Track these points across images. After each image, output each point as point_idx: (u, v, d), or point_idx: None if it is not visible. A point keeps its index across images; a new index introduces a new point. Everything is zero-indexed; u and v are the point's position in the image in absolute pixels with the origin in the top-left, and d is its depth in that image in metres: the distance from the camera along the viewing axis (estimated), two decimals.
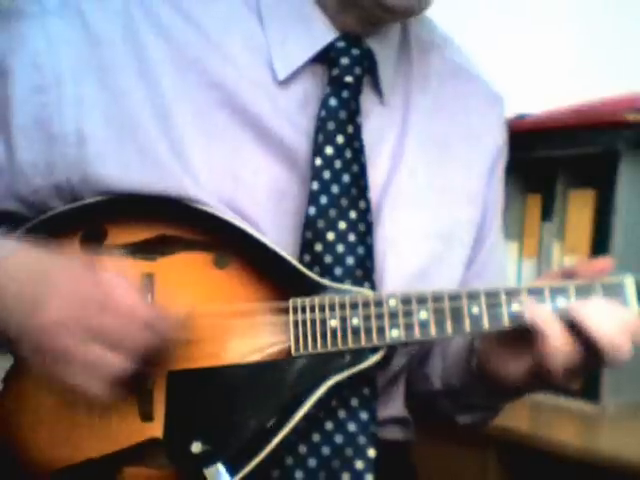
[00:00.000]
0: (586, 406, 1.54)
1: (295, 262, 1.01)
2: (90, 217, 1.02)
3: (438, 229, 1.12)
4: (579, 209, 1.59)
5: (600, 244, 1.53)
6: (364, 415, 1.02)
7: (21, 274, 0.93)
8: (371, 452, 1.01)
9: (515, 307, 0.97)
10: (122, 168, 1.01)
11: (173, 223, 1.01)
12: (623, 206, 1.52)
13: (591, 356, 0.95)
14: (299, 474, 1.00)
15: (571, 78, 1.83)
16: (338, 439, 1.01)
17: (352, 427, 1.01)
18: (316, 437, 1.01)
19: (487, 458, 1.52)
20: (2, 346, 0.96)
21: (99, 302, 0.90)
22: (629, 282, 0.97)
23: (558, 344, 0.94)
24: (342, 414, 1.01)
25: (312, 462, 1.00)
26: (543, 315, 0.95)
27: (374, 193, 1.07)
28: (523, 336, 0.97)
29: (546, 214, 1.64)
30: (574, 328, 0.94)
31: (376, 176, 1.08)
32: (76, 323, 0.89)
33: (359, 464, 1.00)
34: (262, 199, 1.04)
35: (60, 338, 0.89)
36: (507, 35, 1.92)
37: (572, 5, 1.88)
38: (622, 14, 1.81)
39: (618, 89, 1.58)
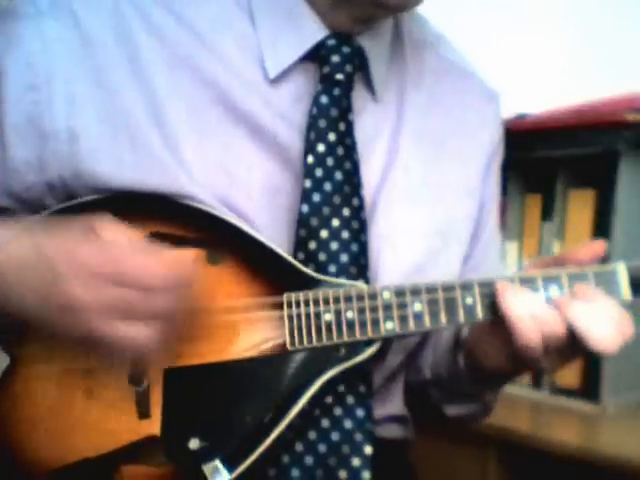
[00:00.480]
0: (586, 406, 1.54)
1: (289, 257, 1.00)
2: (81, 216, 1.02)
3: (434, 226, 1.11)
4: (579, 209, 1.59)
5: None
6: (360, 412, 1.01)
7: (24, 261, 0.92)
8: (367, 449, 1.01)
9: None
10: (116, 165, 1.01)
11: (166, 220, 1.00)
12: (623, 206, 1.53)
13: (577, 348, 0.94)
14: (296, 472, 1.00)
15: (571, 78, 1.83)
16: (334, 436, 1.01)
17: (348, 424, 1.01)
18: (312, 435, 1.01)
19: (487, 458, 1.52)
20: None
21: (113, 277, 0.87)
22: (621, 269, 0.97)
23: (527, 342, 0.93)
24: (338, 411, 1.01)
25: (309, 460, 1.00)
26: (517, 311, 0.94)
27: (369, 190, 1.07)
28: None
29: (546, 214, 1.64)
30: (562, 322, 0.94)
31: (370, 173, 1.08)
32: (101, 306, 0.87)
33: (356, 461, 1.00)
34: (256, 196, 1.04)
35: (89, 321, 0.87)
36: (507, 34, 1.93)
37: (572, 5, 1.88)
38: (622, 14, 1.81)
39: (618, 89, 1.58)
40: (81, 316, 0.87)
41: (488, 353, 1.03)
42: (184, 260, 0.91)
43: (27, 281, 0.89)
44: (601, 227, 1.55)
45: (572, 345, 0.94)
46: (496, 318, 0.96)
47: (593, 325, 0.92)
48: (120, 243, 0.90)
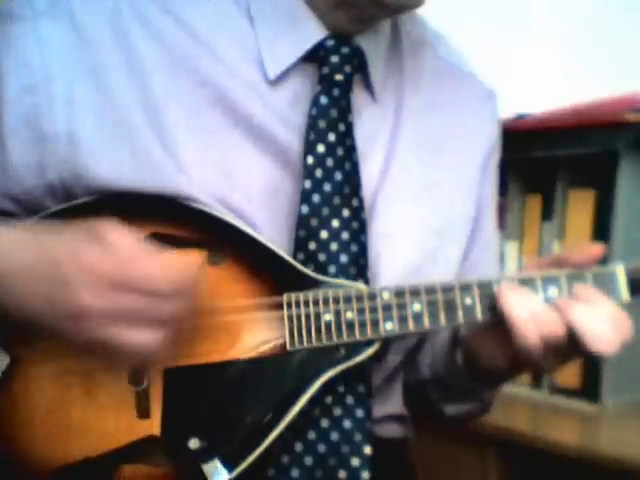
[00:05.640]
0: (586, 406, 1.54)
1: (289, 258, 1.00)
2: (82, 217, 1.01)
3: (433, 225, 1.11)
4: (579, 209, 1.59)
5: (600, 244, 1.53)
6: (359, 412, 1.01)
7: (32, 268, 0.91)
8: (367, 449, 1.01)
9: None
10: (115, 168, 1.00)
11: (166, 221, 1.00)
12: (623, 206, 1.53)
13: (576, 348, 0.94)
14: (295, 472, 1.00)
15: (571, 78, 1.84)
16: (334, 436, 1.01)
17: (347, 424, 1.01)
18: (311, 435, 1.01)
19: (487, 458, 1.52)
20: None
21: (120, 282, 0.87)
22: (620, 270, 0.97)
23: (527, 342, 0.93)
24: (337, 411, 1.01)
25: (308, 460, 1.00)
26: (517, 311, 0.94)
27: (368, 190, 1.07)
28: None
29: (546, 214, 1.64)
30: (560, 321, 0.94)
31: (370, 173, 1.08)
32: (108, 313, 0.87)
33: (355, 461, 1.00)
34: (255, 197, 1.03)
35: (97, 328, 0.87)
36: (507, 34, 1.93)
37: (572, 5, 1.88)
38: (623, 14, 1.81)
39: (618, 89, 1.58)
40: (88, 323, 0.87)
41: (487, 353, 1.03)
42: (190, 264, 0.92)
43: (35, 287, 0.89)
44: (601, 227, 1.55)
45: (571, 346, 0.94)
46: (495, 319, 0.96)
47: (592, 326, 0.92)
48: (125, 247, 0.89)
